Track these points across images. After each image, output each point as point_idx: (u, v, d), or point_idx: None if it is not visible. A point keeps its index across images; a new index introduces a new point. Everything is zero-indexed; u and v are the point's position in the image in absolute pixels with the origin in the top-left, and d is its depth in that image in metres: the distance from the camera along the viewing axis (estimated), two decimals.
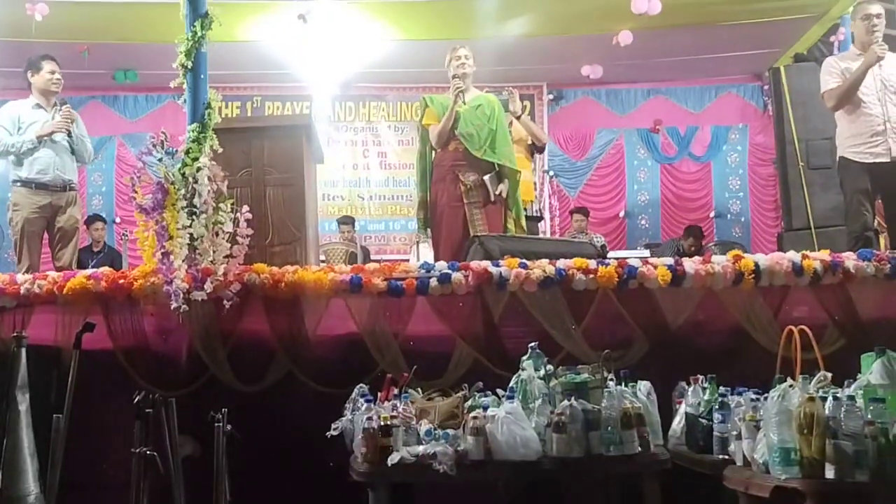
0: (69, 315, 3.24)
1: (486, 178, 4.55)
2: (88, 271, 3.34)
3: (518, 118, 5.37)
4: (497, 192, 4.56)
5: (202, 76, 3.36)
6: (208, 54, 3.47)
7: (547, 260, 3.41)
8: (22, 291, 3.28)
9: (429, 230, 4.86)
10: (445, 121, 4.55)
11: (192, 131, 3.26)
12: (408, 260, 7.84)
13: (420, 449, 2.61)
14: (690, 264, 3.36)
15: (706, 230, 8.97)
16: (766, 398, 2.49)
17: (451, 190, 4.60)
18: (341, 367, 3.28)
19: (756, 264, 3.38)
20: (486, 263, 3.41)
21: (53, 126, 4.64)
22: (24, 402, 2.77)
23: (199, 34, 3.29)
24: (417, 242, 7.32)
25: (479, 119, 4.57)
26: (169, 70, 3.50)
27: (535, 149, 5.68)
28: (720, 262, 3.40)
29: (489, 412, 2.66)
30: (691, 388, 2.90)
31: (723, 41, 7.76)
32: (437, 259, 4.54)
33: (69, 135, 4.73)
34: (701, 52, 8.06)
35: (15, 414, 2.75)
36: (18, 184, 4.70)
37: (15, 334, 2.93)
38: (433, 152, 4.79)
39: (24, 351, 2.83)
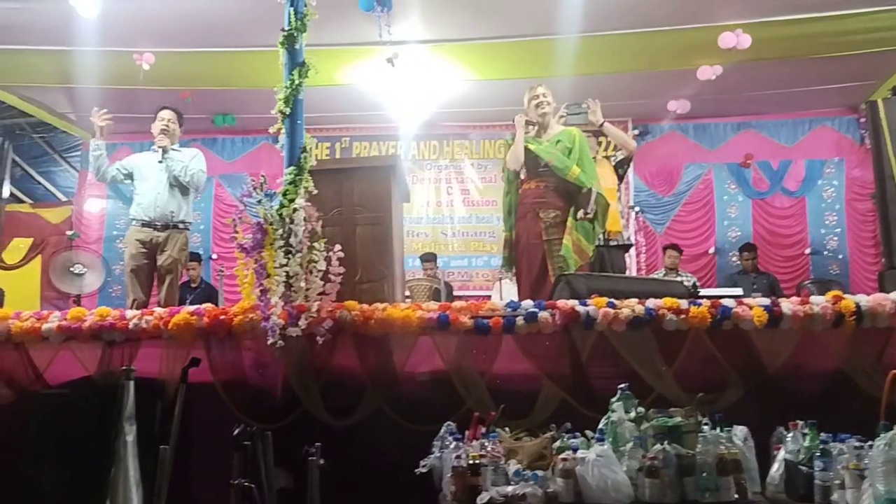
0: (173, 349, 3.39)
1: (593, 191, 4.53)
2: (191, 307, 3.50)
3: (601, 126, 5.29)
4: (583, 214, 4.53)
5: (299, 121, 3.49)
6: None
7: (636, 299, 3.37)
8: (130, 326, 3.45)
9: (514, 268, 4.88)
10: (517, 142, 4.65)
11: (290, 174, 3.39)
12: (490, 296, 7.87)
13: (509, 489, 2.59)
14: (788, 305, 3.26)
15: (802, 267, 8.70)
16: (870, 446, 2.38)
17: (532, 227, 4.65)
18: (429, 404, 3.31)
19: (857, 305, 3.26)
20: (574, 302, 3.40)
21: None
22: (131, 433, 2.91)
23: (297, 82, 3.43)
24: (500, 279, 7.33)
25: (560, 153, 4.61)
26: (264, 114, 3.67)
27: (622, 166, 5.58)
28: (819, 302, 3.29)
29: (579, 454, 2.63)
30: (790, 434, 2.80)
31: (816, 74, 7.55)
32: (520, 296, 4.56)
33: (162, 159, 5.04)
34: (793, 85, 7.85)
35: (123, 444, 2.89)
36: (133, 222, 5.04)
37: (124, 368, 3.11)
38: (518, 192, 4.84)
39: (132, 384, 2.99)
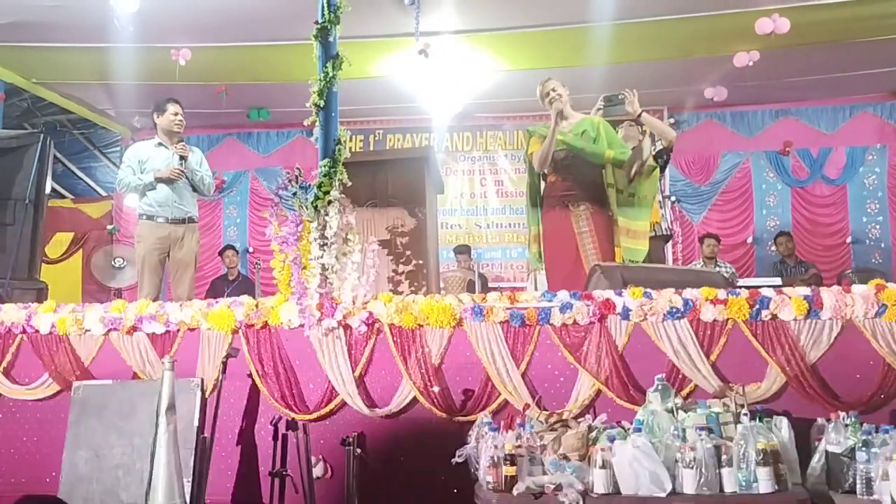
0: (212, 341, 3.45)
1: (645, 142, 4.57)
2: (229, 299, 3.54)
3: (639, 117, 5.25)
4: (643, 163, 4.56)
5: (333, 114, 3.49)
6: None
7: (672, 290, 3.34)
8: (170, 319, 3.51)
9: (542, 263, 4.84)
10: (547, 142, 4.55)
11: (324, 166, 3.39)
12: (525, 287, 7.85)
13: (546, 479, 2.60)
14: (829, 295, 3.20)
15: (843, 257, 8.55)
16: None
17: (563, 219, 4.60)
18: (465, 395, 3.32)
19: None
20: (609, 293, 3.37)
21: (170, 173, 4.94)
22: (171, 423, 2.97)
23: (331, 74, 3.44)
24: (535, 270, 7.30)
25: (585, 143, 4.57)
26: (298, 107, 3.67)
27: (661, 156, 5.49)
28: (861, 291, 3.22)
29: (616, 445, 2.62)
30: (832, 425, 2.76)
31: (856, 58, 7.39)
32: (550, 288, 4.54)
33: (182, 168, 5.01)
34: (833, 71, 7.70)
35: (164, 434, 2.95)
36: (144, 217, 5.02)
37: (164, 359, 3.16)
38: (542, 184, 4.80)
39: (172, 375, 3.04)
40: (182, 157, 5.02)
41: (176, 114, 5.09)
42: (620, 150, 4.58)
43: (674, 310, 3.22)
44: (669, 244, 8.22)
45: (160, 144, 5.13)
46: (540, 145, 4.63)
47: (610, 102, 5.02)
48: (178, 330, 3.51)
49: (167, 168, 4.98)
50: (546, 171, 4.73)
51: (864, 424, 2.66)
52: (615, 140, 4.65)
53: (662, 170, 5.63)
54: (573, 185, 4.60)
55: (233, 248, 8.42)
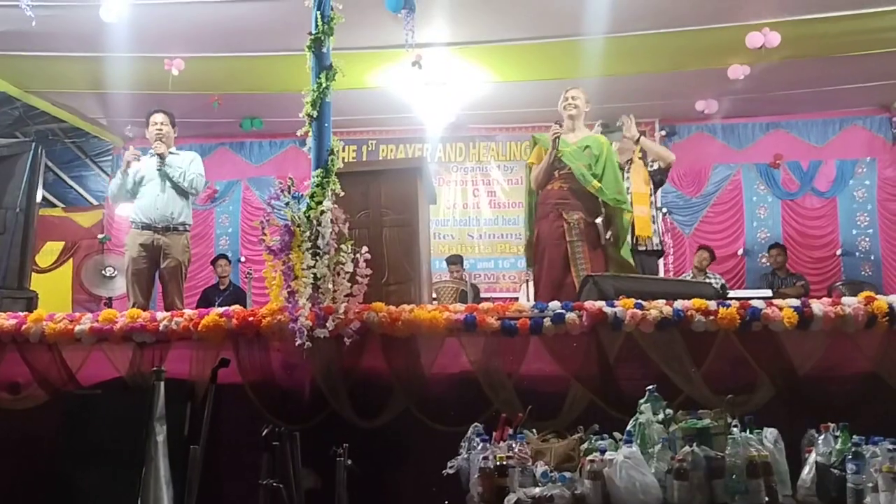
0: (203, 350, 3.43)
1: (599, 221, 4.55)
2: (220, 309, 3.53)
3: (637, 141, 5.31)
4: (608, 237, 4.55)
5: (326, 124, 3.51)
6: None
7: (664, 300, 3.35)
8: (160, 328, 3.49)
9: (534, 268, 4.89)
10: (544, 164, 4.65)
11: (317, 176, 3.41)
12: (517, 298, 7.85)
13: (537, 491, 2.59)
14: (819, 306, 3.22)
15: (833, 269, 8.58)
16: None
17: (554, 227, 4.65)
18: (456, 406, 3.32)
19: (890, 306, 3.21)
20: (601, 303, 3.38)
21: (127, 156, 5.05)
22: (161, 433, 2.94)
23: (324, 85, 3.46)
24: (527, 280, 7.31)
25: (585, 159, 4.60)
26: (291, 117, 3.70)
27: (656, 175, 5.54)
28: (851, 303, 3.24)
29: (607, 456, 2.62)
30: (822, 437, 2.76)
31: (847, 72, 7.44)
32: (537, 295, 4.56)
33: (160, 166, 5.00)
34: (823, 84, 7.75)
35: (153, 444, 2.93)
36: (133, 225, 5.02)
37: (154, 369, 3.14)
38: (539, 190, 4.84)
39: (162, 384, 3.03)
40: (160, 156, 5.00)
41: (154, 123, 5.11)
42: (608, 190, 4.58)
43: (665, 320, 3.23)
44: (661, 259, 8.27)
45: (150, 153, 5.16)
46: (541, 159, 4.69)
47: (607, 129, 5.09)
48: (169, 339, 3.50)
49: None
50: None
51: (854, 436, 2.67)
52: (613, 174, 4.65)
53: (658, 187, 5.68)
54: (569, 193, 4.64)
55: (225, 257, 8.40)
